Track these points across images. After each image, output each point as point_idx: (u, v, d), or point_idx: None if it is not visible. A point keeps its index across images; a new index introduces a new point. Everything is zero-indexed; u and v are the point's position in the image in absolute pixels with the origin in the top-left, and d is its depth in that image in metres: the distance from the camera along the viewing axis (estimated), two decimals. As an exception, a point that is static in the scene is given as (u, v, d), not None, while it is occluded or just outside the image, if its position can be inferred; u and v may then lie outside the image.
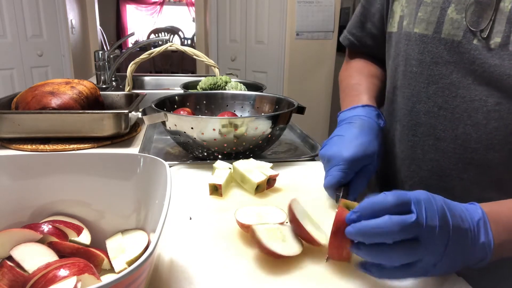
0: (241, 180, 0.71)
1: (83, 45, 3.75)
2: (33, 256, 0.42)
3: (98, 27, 3.99)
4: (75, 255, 0.45)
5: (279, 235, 0.49)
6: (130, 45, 7.10)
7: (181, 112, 0.94)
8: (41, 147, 0.94)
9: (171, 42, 1.52)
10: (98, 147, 0.97)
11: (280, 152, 0.97)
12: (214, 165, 0.74)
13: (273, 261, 0.49)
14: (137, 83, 2.04)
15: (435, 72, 0.60)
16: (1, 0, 2.84)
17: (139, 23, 7.82)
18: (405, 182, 0.71)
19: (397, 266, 0.42)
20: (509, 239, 0.45)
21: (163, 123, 0.82)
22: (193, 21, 6.52)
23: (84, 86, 1.06)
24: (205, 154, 0.83)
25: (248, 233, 0.48)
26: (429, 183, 0.65)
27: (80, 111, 0.95)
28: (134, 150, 0.97)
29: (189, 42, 7.02)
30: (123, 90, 1.46)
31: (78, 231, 0.48)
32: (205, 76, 1.37)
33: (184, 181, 0.74)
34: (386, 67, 0.75)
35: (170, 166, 0.48)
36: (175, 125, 0.80)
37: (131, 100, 1.17)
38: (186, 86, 1.38)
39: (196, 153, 0.85)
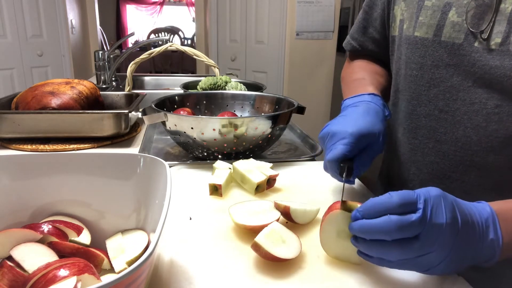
0: (241, 180, 0.71)
1: (83, 45, 3.75)
2: (33, 256, 0.42)
3: (98, 27, 3.99)
4: (75, 255, 0.45)
5: (278, 237, 0.49)
6: (130, 45, 7.11)
7: (181, 112, 0.94)
8: (41, 147, 0.94)
9: (171, 42, 1.52)
10: (98, 147, 0.97)
11: (280, 152, 0.97)
12: (214, 165, 0.74)
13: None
14: (137, 83, 2.04)
15: (436, 76, 0.61)
16: (1, 0, 2.84)
17: (139, 23, 7.82)
18: (406, 185, 0.71)
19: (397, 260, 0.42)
20: None
21: (163, 123, 0.82)
22: (193, 21, 6.53)
23: (84, 86, 1.06)
24: (205, 154, 0.83)
25: (251, 247, 0.48)
26: (429, 186, 0.65)
27: (80, 111, 0.95)
28: (134, 150, 0.97)
29: (189, 42, 7.02)
30: (123, 90, 1.46)
31: (78, 231, 0.48)
32: (205, 76, 1.37)
33: (184, 181, 0.74)
34: (391, 70, 0.76)
35: (170, 166, 0.48)
36: (175, 125, 0.80)
37: (131, 100, 1.17)
38: (186, 86, 1.38)
39: (196, 153, 0.85)
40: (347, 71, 0.84)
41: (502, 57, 0.52)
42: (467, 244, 0.42)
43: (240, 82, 1.33)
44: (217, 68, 1.41)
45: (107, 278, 0.35)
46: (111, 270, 0.46)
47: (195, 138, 0.79)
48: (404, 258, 0.41)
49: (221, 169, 0.72)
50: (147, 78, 2.10)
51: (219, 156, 0.83)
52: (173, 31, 7.02)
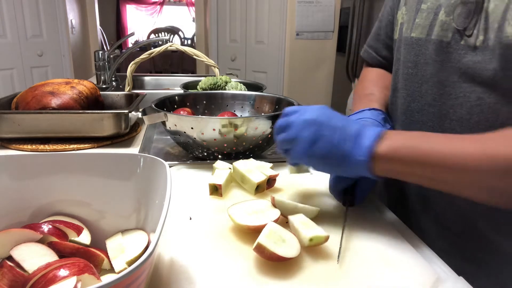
0: (241, 180, 0.71)
1: (83, 45, 3.75)
2: (33, 256, 0.42)
3: (98, 27, 3.99)
4: (75, 255, 0.45)
5: (278, 237, 0.49)
6: (130, 45, 7.11)
7: (181, 112, 0.94)
8: (41, 147, 0.94)
9: (171, 42, 1.52)
10: (98, 147, 0.97)
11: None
12: (214, 165, 0.74)
13: (273, 261, 0.49)
14: (137, 83, 2.04)
15: (426, 72, 0.64)
16: (1, 0, 2.84)
17: (139, 23, 7.82)
18: (398, 180, 0.73)
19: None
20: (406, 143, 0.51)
21: (163, 123, 0.82)
22: (193, 21, 6.53)
23: (84, 86, 1.06)
24: (205, 154, 0.83)
25: (254, 250, 0.48)
26: None
27: (80, 111, 0.95)
28: (134, 150, 0.97)
29: (189, 42, 7.02)
30: (123, 90, 1.46)
31: (78, 231, 0.48)
32: (205, 76, 1.37)
33: (184, 181, 0.74)
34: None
35: (170, 166, 0.48)
36: (175, 125, 0.80)
37: (131, 100, 1.17)
38: (186, 86, 1.38)
39: (196, 153, 0.85)
40: (359, 87, 0.88)
41: (483, 52, 0.55)
42: (329, 138, 0.53)
43: (240, 82, 1.33)
44: (217, 68, 1.41)
45: (107, 278, 0.35)
46: (111, 270, 0.46)
47: (195, 138, 0.79)
48: (283, 138, 0.57)
49: (221, 169, 0.72)
50: (147, 78, 2.10)
51: (219, 156, 0.83)
52: (173, 31, 7.02)
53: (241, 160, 0.74)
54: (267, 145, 0.86)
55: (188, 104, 1.02)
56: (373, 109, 0.72)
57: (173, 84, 2.05)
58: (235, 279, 0.46)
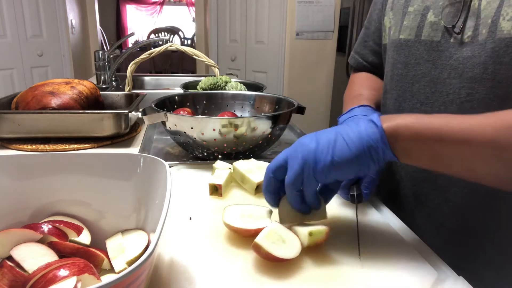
0: (241, 180, 0.71)
1: (83, 45, 3.75)
2: (33, 256, 0.42)
3: (98, 27, 3.99)
4: (75, 255, 0.45)
5: (278, 237, 0.49)
6: (130, 45, 7.11)
7: (181, 112, 0.94)
8: (41, 147, 0.94)
9: (171, 42, 1.52)
10: (98, 147, 0.97)
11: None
12: (214, 165, 0.74)
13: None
14: (137, 83, 2.04)
15: (418, 72, 0.66)
16: (1, 0, 2.84)
17: (139, 23, 7.82)
18: (392, 177, 0.76)
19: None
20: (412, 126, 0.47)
21: (163, 123, 0.82)
22: (193, 21, 6.53)
23: (84, 86, 1.06)
24: (205, 154, 0.83)
25: (252, 247, 0.48)
26: (414, 176, 0.70)
27: (80, 111, 0.95)
28: (134, 150, 0.97)
29: (189, 42, 7.02)
30: (123, 90, 1.46)
31: (78, 231, 0.48)
32: (205, 76, 1.37)
33: (184, 181, 0.74)
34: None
35: (170, 166, 0.48)
36: (175, 125, 0.80)
37: (131, 100, 1.17)
38: (186, 86, 1.38)
39: (196, 153, 0.85)
40: (347, 91, 0.89)
41: (472, 48, 0.57)
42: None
43: (240, 82, 1.33)
44: (217, 68, 1.41)
45: (107, 278, 0.35)
46: (111, 270, 0.46)
47: (195, 138, 0.79)
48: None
49: (221, 169, 0.72)
50: (147, 78, 2.10)
51: (219, 156, 0.83)
52: (173, 31, 7.02)
53: (241, 160, 0.74)
54: (267, 145, 0.86)
55: (188, 104, 1.02)
56: (363, 105, 0.73)
57: (173, 84, 2.05)
58: (235, 279, 0.46)
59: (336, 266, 0.49)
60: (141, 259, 0.31)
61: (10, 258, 0.42)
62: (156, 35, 7.01)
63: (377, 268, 0.49)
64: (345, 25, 2.92)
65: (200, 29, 3.96)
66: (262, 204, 0.66)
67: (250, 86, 1.37)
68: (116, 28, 7.61)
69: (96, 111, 0.96)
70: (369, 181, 0.62)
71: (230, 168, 0.73)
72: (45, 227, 0.46)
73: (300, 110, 0.90)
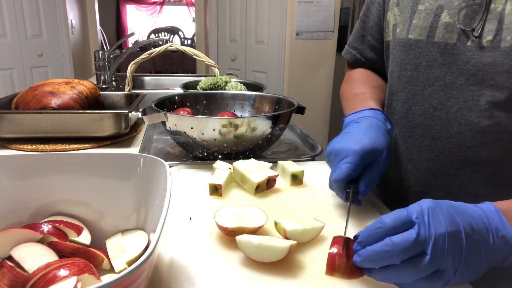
0: (241, 180, 0.71)
1: (83, 45, 3.75)
2: (33, 256, 0.42)
3: (98, 27, 3.99)
4: (75, 255, 0.45)
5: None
6: (130, 45, 7.11)
7: (181, 112, 0.94)
8: (41, 147, 0.94)
9: (171, 42, 1.52)
10: (98, 147, 0.97)
11: (280, 152, 0.97)
12: (214, 165, 0.74)
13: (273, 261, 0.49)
14: (137, 83, 2.04)
15: (430, 75, 0.63)
16: (1, 0, 2.84)
17: (139, 23, 7.82)
18: (402, 183, 0.72)
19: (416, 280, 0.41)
20: None
21: (163, 123, 0.82)
22: (193, 21, 6.52)
23: (84, 86, 1.06)
24: (205, 154, 0.83)
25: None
26: (425, 182, 0.67)
27: (80, 111, 0.95)
28: (134, 150, 0.97)
29: (189, 42, 7.02)
30: (123, 90, 1.46)
31: (78, 231, 0.48)
32: (205, 76, 1.37)
33: (184, 181, 0.74)
34: (386, 75, 0.77)
35: (170, 166, 0.48)
36: (175, 125, 0.80)
37: (131, 100, 1.17)
38: (186, 86, 1.38)
39: (196, 153, 0.85)
40: (346, 86, 0.85)
41: (493, 54, 0.54)
42: (477, 245, 0.41)
43: (240, 82, 1.33)
44: (217, 68, 1.41)
45: (107, 278, 0.35)
46: (111, 270, 0.46)
47: (195, 138, 0.79)
48: (421, 276, 0.40)
49: (221, 169, 0.72)
50: (147, 78, 2.10)
51: (219, 156, 0.83)
52: (173, 31, 7.03)
53: (241, 160, 0.74)
54: (267, 145, 0.86)
55: (188, 104, 1.02)
56: (373, 109, 0.70)
57: (173, 84, 2.05)
58: (235, 279, 0.46)
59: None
60: (141, 259, 0.31)
61: (10, 258, 0.42)
62: (156, 35, 7.01)
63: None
64: (345, 25, 2.92)
65: (200, 29, 3.96)
66: (262, 203, 0.66)
67: (250, 86, 1.37)
68: (116, 28, 7.61)
69: (96, 111, 0.96)
70: (370, 181, 0.59)
71: (230, 168, 0.73)
72: (45, 227, 0.46)
73: (300, 110, 0.90)
